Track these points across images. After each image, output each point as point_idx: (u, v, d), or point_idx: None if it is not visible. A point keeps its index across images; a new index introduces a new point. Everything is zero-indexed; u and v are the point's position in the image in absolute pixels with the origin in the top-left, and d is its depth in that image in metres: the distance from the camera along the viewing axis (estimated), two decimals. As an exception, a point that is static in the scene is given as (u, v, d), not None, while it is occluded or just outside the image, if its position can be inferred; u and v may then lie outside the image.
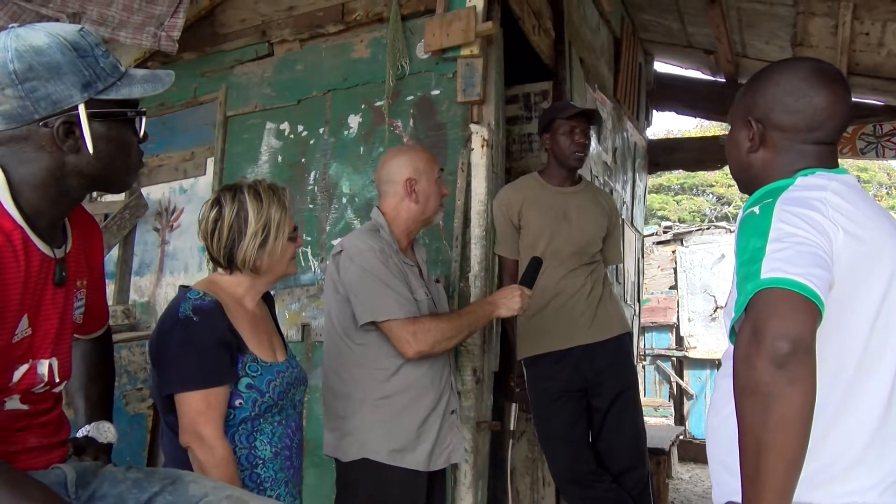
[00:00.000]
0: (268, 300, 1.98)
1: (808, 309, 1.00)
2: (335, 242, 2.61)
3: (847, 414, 1.14)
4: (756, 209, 1.16)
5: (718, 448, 1.25)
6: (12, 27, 1.20)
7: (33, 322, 1.23)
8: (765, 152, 1.30)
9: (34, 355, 1.25)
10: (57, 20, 3.00)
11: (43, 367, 1.26)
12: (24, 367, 1.23)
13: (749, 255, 1.08)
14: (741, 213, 1.22)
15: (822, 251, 1.07)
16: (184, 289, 1.77)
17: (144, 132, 1.31)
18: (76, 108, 1.19)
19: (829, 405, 1.11)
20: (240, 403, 1.70)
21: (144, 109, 1.30)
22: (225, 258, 1.79)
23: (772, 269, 1.03)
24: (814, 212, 1.12)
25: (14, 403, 1.24)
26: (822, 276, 1.04)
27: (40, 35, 1.18)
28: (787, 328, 0.98)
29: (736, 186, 1.47)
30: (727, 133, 1.41)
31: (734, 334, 1.10)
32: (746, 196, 1.31)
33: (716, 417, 1.26)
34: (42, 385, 1.27)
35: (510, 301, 2.24)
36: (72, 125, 1.19)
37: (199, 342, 1.66)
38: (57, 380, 1.30)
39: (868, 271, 1.15)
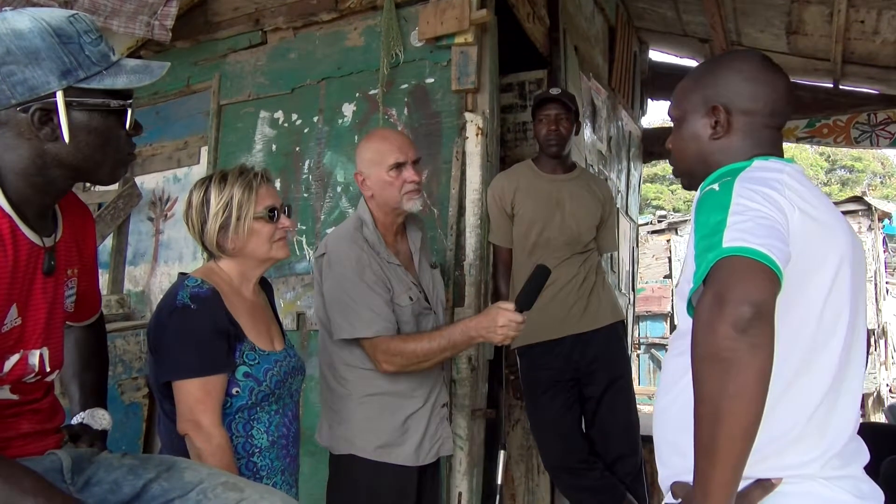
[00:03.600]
0: (266, 288, 1.98)
1: (770, 277, 1.02)
2: (329, 231, 2.61)
3: (795, 389, 1.16)
4: (716, 186, 1.19)
5: (666, 429, 1.27)
6: (4, 10, 1.19)
7: (23, 312, 1.22)
8: (727, 138, 1.33)
9: (25, 345, 1.24)
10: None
11: (34, 357, 1.26)
12: (14, 358, 1.22)
13: (710, 229, 1.10)
14: (699, 192, 1.25)
15: (780, 226, 1.10)
16: (182, 276, 1.77)
17: (137, 124, 1.28)
18: (54, 95, 1.16)
19: (779, 380, 1.13)
20: (237, 392, 1.70)
21: (131, 101, 1.26)
22: (200, 243, 1.81)
23: (733, 238, 1.05)
24: (772, 190, 1.15)
25: (4, 393, 1.24)
26: (782, 248, 1.06)
27: (24, 19, 1.16)
28: (750, 293, 0.99)
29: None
30: (675, 131, 1.41)
31: (692, 307, 1.11)
32: None
33: (664, 398, 1.28)
34: (33, 375, 1.27)
35: (491, 334, 1.95)
36: (49, 112, 1.17)
37: (196, 330, 1.66)
38: (48, 369, 1.29)
39: (822, 251, 1.18)
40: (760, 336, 0.98)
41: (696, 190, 1.32)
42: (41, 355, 1.27)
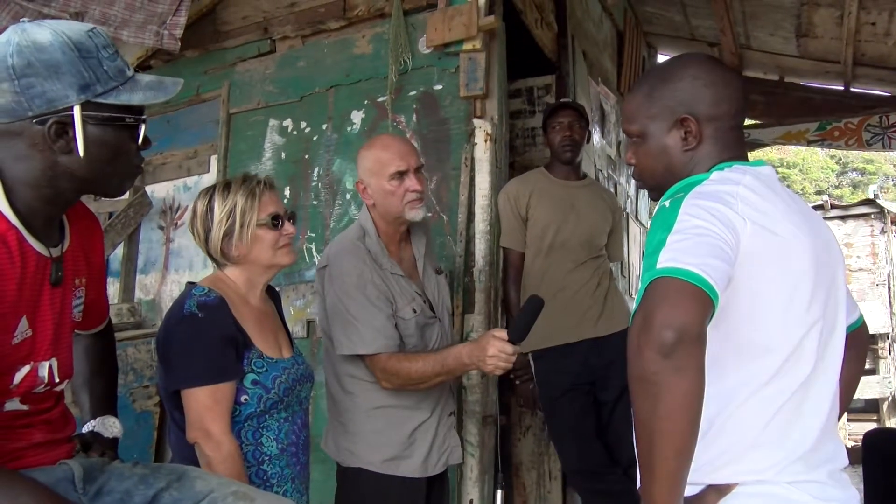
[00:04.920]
0: (274, 296, 1.98)
1: (698, 298, 1.01)
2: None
3: (755, 400, 1.15)
4: (667, 203, 1.18)
5: None
6: (23, 21, 1.19)
7: (32, 323, 1.22)
8: (698, 147, 1.30)
9: (35, 357, 1.24)
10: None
11: (44, 369, 1.26)
12: (25, 369, 1.22)
13: (652, 247, 1.10)
14: (657, 207, 1.24)
15: (723, 243, 1.08)
16: (190, 285, 1.78)
17: (146, 138, 1.29)
18: (71, 108, 1.17)
19: (739, 393, 1.14)
20: (245, 399, 1.70)
21: (145, 117, 1.27)
22: (206, 252, 1.82)
23: (668, 259, 1.05)
24: (722, 205, 1.13)
25: (14, 405, 1.24)
26: (719, 268, 1.05)
27: (45, 32, 1.17)
28: (673, 318, 0.99)
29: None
30: (637, 146, 1.37)
31: None
32: None
33: None
34: (43, 386, 1.27)
35: (482, 364, 1.91)
36: (65, 126, 1.17)
37: (204, 338, 1.66)
38: (57, 380, 1.29)
39: (783, 264, 1.16)
40: (685, 359, 0.99)
41: None
42: (50, 366, 1.27)
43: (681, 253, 1.05)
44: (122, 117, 1.23)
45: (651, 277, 1.05)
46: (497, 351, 1.86)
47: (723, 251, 1.07)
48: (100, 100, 1.19)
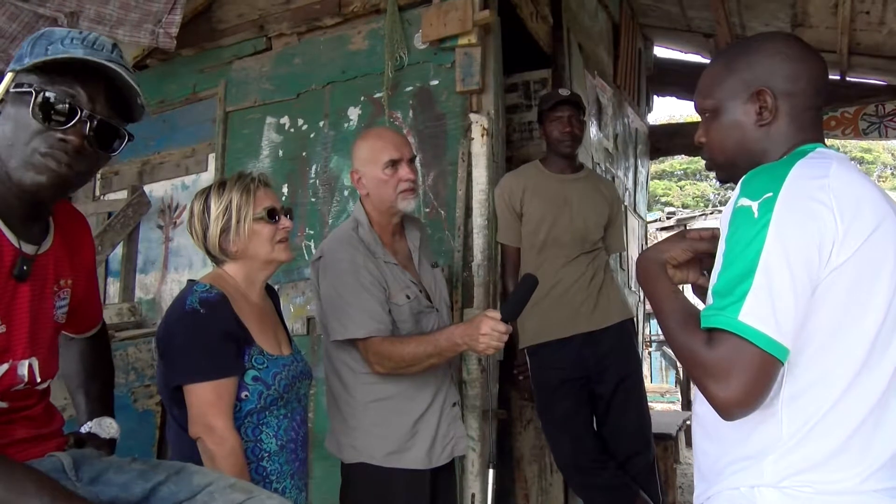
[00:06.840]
0: (272, 295, 1.99)
1: (773, 373, 1.05)
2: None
3: (838, 409, 1.11)
4: (755, 207, 1.10)
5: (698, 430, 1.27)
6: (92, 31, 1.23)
7: (6, 319, 1.21)
8: (773, 124, 1.26)
9: (13, 355, 1.23)
10: (55, 19, 3.01)
11: (23, 367, 1.25)
12: (3, 368, 1.21)
13: (737, 271, 1.07)
14: (735, 197, 1.16)
15: (806, 287, 1.06)
16: (191, 283, 1.78)
17: (105, 136, 1.22)
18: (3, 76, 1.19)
19: (822, 401, 1.10)
20: (246, 395, 1.71)
21: (51, 89, 1.15)
22: (204, 250, 1.83)
23: (750, 312, 1.04)
24: (819, 206, 1.08)
25: None
26: (795, 327, 1.06)
27: (65, 30, 1.21)
28: (745, 398, 1.04)
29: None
30: (710, 122, 1.33)
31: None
32: None
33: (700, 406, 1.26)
34: (23, 384, 1.26)
35: (473, 342, 1.90)
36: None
37: (207, 334, 1.67)
38: (39, 379, 1.28)
39: (877, 260, 1.10)
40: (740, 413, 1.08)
41: (734, 182, 1.23)
42: (30, 365, 1.26)
43: (767, 311, 1.04)
44: (28, 91, 1.14)
45: (730, 328, 1.04)
46: (490, 329, 1.85)
47: (804, 299, 1.06)
48: (23, 67, 1.17)
